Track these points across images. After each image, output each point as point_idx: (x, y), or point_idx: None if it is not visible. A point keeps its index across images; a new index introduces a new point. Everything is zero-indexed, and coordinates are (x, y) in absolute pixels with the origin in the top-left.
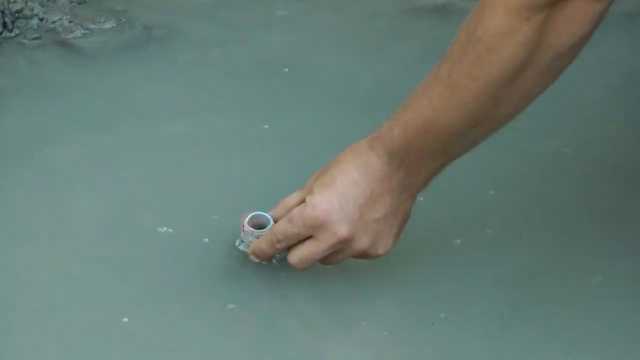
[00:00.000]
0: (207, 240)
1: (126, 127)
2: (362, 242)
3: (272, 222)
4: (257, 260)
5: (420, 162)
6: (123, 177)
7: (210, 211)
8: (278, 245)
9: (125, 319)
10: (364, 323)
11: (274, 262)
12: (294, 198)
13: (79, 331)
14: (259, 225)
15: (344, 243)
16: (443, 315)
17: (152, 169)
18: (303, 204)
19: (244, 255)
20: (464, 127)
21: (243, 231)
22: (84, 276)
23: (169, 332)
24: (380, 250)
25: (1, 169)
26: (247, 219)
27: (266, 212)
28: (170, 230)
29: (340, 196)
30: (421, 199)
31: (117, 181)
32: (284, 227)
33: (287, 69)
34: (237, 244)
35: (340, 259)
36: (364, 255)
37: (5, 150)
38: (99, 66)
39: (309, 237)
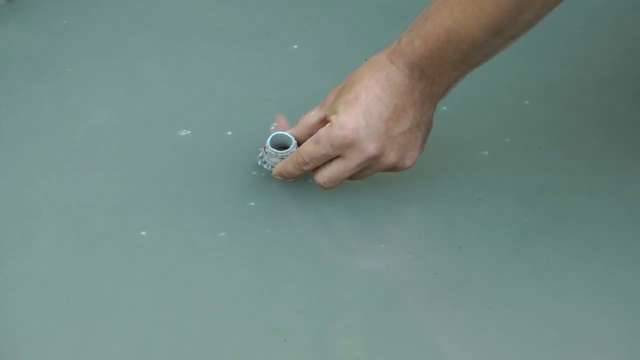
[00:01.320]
0: (227, 149)
1: (142, 38)
2: (391, 157)
3: (294, 141)
4: (282, 179)
5: (441, 72)
6: (143, 86)
7: (230, 121)
8: (305, 167)
9: (144, 233)
10: (392, 235)
11: (310, 181)
12: (313, 116)
13: (97, 244)
14: (281, 145)
15: (373, 159)
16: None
17: (172, 74)
18: (329, 124)
19: (268, 172)
20: (485, 35)
21: (265, 152)
22: (103, 189)
23: (190, 248)
24: (408, 162)
25: (17, 81)
26: (268, 139)
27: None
28: (190, 133)
29: (366, 113)
30: (444, 108)
31: (135, 90)
32: (311, 149)
33: None
34: (260, 162)
35: (369, 174)
36: (392, 168)
37: (22, 64)
38: None
39: (336, 157)
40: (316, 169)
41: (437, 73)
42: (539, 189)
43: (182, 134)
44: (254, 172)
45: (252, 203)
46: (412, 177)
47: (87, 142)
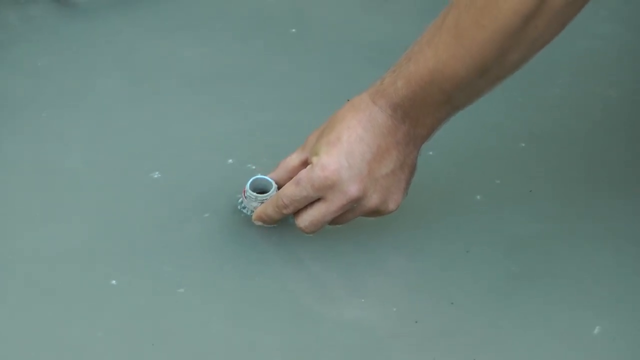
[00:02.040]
0: (202, 193)
1: (115, 80)
2: (373, 199)
3: (274, 185)
4: (261, 224)
5: (425, 113)
6: (117, 127)
7: (206, 163)
8: (285, 211)
9: (114, 282)
10: (376, 286)
11: (290, 221)
12: (294, 159)
13: (66, 295)
14: (261, 190)
15: (355, 202)
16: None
17: (156, 116)
18: (310, 165)
19: (247, 218)
20: (470, 76)
21: (245, 196)
22: (72, 235)
23: (161, 298)
24: (392, 206)
25: None
26: (248, 183)
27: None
28: (161, 176)
29: (348, 154)
30: (430, 153)
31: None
32: (292, 191)
33: (294, 29)
34: (239, 207)
35: (351, 218)
36: (375, 212)
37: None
38: (92, 20)
39: (318, 200)
40: (297, 212)
41: (421, 114)
42: (528, 237)
43: (155, 176)
44: (231, 217)
45: (229, 249)
46: (397, 223)
47: (57, 187)
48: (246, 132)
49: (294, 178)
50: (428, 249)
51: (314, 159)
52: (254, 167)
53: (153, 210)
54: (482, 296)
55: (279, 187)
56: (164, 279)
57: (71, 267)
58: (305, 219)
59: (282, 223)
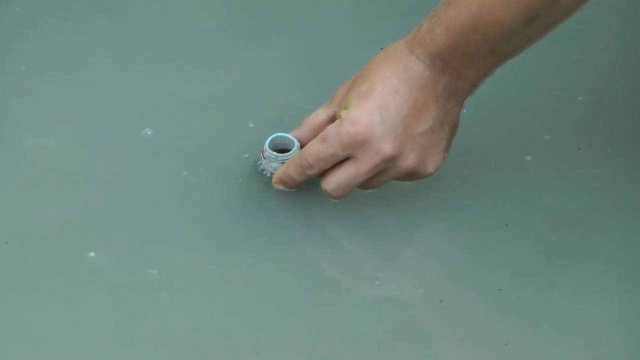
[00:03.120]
0: (207, 153)
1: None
2: (409, 159)
3: (297, 144)
4: (282, 188)
5: (467, 64)
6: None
7: (212, 120)
8: (309, 171)
9: (92, 254)
10: (406, 259)
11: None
12: (320, 114)
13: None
14: (282, 149)
15: (389, 161)
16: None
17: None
18: (338, 120)
19: (266, 180)
20: (517, 23)
21: (263, 157)
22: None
23: (159, 275)
24: (430, 168)
25: None
26: (267, 141)
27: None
28: (152, 132)
29: (382, 107)
30: (464, 110)
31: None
32: (317, 149)
33: None
34: (259, 168)
35: (384, 180)
36: (411, 174)
37: None
38: None
39: (346, 159)
40: (323, 173)
41: (463, 65)
42: (573, 210)
43: (148, 133)
44: (240, 180)
45: (245, 216)
46: (434, 188)
47: (36, 150)
48: (258, 89)
49: (320, 134)
50: (466, 219)
51: (343, 113)
52: (268, 127)
53: (154, 173)
54: (518, 276)
55: (302, 146)
56: (164, 251)
57: (53, 239)
58: (332, 181)
59: (305, 186)
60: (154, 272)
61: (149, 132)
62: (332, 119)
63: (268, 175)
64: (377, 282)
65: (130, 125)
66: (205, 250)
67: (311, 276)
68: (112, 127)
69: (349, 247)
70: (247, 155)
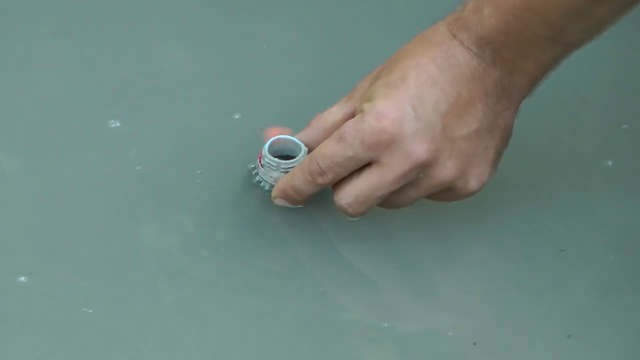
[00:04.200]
0: (199, 171)
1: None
2: (448, 169)
3: (304, 149)
4: (284, 204)
5: (523, 54)
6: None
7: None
8: (321, 180)
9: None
10: (440, 291)
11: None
12: (335, 112)
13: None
14: (284, 155)
15: (421, 169)
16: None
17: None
18: (359, 114)
19: (263, 195)
20: (584, 1)
21: (261, 164)
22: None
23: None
24: (473, 183)
25: None
26: (266, 145)
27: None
28: (119, 125)
29: (416, 100)
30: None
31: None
32: (332, 150)
33: None
34: (255, 179)
35: (413, 197)
36: (447, 190)
37: None
38: None
39: (367, 165)
40: (337, 184)
41: (519, 55)
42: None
43: (112, 125)
44: (229, 194)
45: (235, 242)
46: (476, 204)
47: None
48: (252, 74)
49: (336, 132)
50: (513, 242)
51: (366, 106)
52: (264, 127)
53: (113, 180)
54: (581, 317)
55: (310, 151)
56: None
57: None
58: (348, 193)
59: (313, 201)
60: (98, 309)
61: (116, 125)
62: (351, 117)
63: (266, 187)
64: (402, 318)
65: (95, 117)
66: (182, 286)
67: (322, 311)
68: (68, 119)
69: (369, 276)
70: (238, 162)
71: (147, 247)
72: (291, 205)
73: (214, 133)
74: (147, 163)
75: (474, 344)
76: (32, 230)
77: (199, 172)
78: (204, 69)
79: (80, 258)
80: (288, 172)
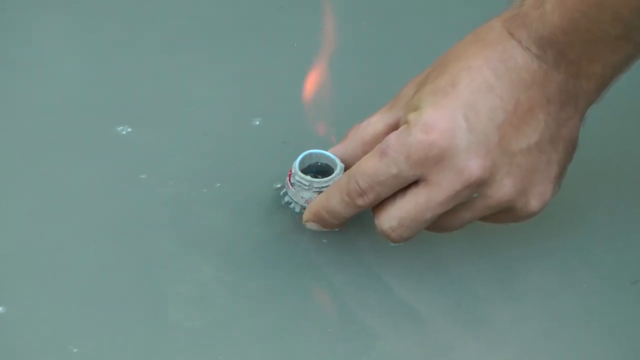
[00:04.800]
0: (219, 185)
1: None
2: (505, 187)
3: (340, 165)
4: (318, 228)
5: (591, 55)
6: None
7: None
8: (361, 201)
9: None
10: (503, 331)
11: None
12: (376, 123)
13: None
14: (317, 172)
15: (476, 188)
16: None
17: None
18: (404, 126)
19: (293, 217)
20: None
21: (290, 183)
22: None
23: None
24: (534, 203)
25: None
26: (297, 161)
27: (325, 149)
28: (132, 135)
29: (468, 108)
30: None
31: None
32: (373, 167)
33: None
34: (284, 200)
35: (466, 219)
36: (506, 211)
37: None
38: None
39: (413, 184)
40: (378, 205)
41: (585, 57)
42: None
43: (122, 132)
44: (255, 218)
45: (260, 270)
46: (538, 227)
47: None
48: (277, 81)
49: (377, 146)
50: (581, 271)
51: (412, 117)
52: (297, 139)
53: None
54: None
55: (347, 168)
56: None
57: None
58: (392, 216)
59: (350, 225)
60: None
61: (127, 131)
62: (394, 128)
63: (297, 210)
64: (453, 356)
65: (105, 124)
66: (193, 325)
67: (362, 348)
68: (74, 124)
69: (414, 307)
70: (265, 182)
71: (151, 278)
72: (325, 229)
73: (234, 141)
74: (156, 174)
75: None
76: (19, 250)
77: (219, 185)
78: (223, 70)
79: (71, 285)
80: (322, 192)
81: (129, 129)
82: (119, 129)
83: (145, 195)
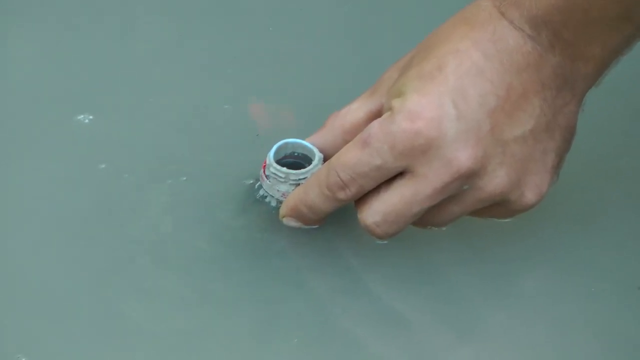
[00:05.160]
0: (184, 178)
1: None
2: (498, 179)
3: (318, 155)
4: (296, 224)
5: (588, 36)
6: None
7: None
8: (342, 194)
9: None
10: (498, 337)
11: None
12: (356, 109)
13: None
14: (294, 163)
15: (466, 179)
16: None
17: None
18: (387, 113)
19: (269, 212)
20: None
21: (265, 175)
22: None
23: None
24: (529, 195)
25: None
26: (271, 151)
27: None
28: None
29: (456, 94)
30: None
31: None
32: (355, 158)
33: None
34: (259, 194)
35: (456, 213)
36: (499, 205)
37: None
38: None
39: (399, 175)
40: (362, 198)
41: (582, 37)
42: None
43: (84, 120)
44: (226, 213)
45: (234, 274)
46: (535, 224)
47: None
48: (252, 57)
49: (359, 136)
50: (579, 273)
51: (396, 103)
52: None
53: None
54: None
55: (326, 159)
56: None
57: None
58: (376, 211)
59: (330, 220)
60: None
61: (86, 120)
62: (376, 116)
63: (273, 204)
64: None
65: (60, 111)
66: (162, 333)
67: (346, 358)
68: (31, 113)
69: (401, 312)
70: (236, 175)
71: (108, 281)
72: (304, 226)
73: (202, 131)
74: (116, 165)
75: None
76: None
77: (184, 179)
78: (192, 53)
79: (20, 289)
80: (300, 184)
81: (91, 117)
82: (80, 117)
83: (105, 186)
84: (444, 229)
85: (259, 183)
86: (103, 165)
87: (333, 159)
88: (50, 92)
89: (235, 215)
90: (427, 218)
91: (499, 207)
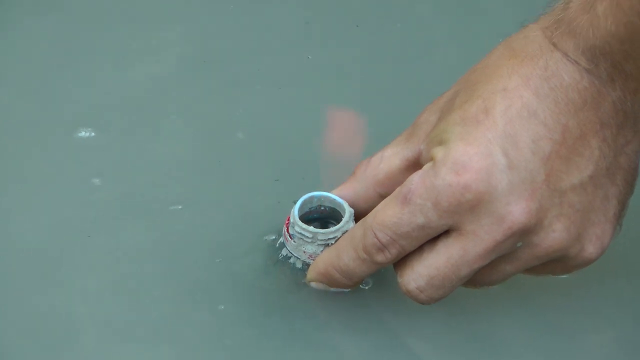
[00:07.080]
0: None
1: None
2: (556, 233)
3: (349, 211)
4: (325, 288)
5: None
6: None
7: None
8: (380, 257)
9: None
10: None
11: (363, 286)
12: (390, 157)
13: None
14: (322, 219)
15: (520, 236)
16: None
17: None
18: (428, 164)
19: (294, 275)
20: None
21: (289, 234)
22: None
23: None
24: (591, 249)
25: None
26: (296, 206)
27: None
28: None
29: (506, 140)
30: None
31: None
32: (394, 216)
33: None
34: (281, 254)
35: (509, 272)
36: (557, 261)
37: None
38: None
39: (444, 234)
40: (402, 260)
41: None
42: None
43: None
44: (248, 277)
45: (236, 333)
46: (595, 279)
47: None
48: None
49: (397, 191)
50: None
51: (438, 152)
52: (302, 178)
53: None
54: None
55: (359, 215)
56: None
57: None
58: (420, 274)
59: (365, 287)
60: None
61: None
62: (414, 164)
63: (299, 266)
64: None
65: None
66: None
67: None
68: (30, 128)
69: None
70: (255, 229)
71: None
72: (333, 289)
73: (219, 189)
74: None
75: None
76: None
77: (196, 251)
78: (207, 77)
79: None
80: (329, 244)
81: (92, 133)
82: (81, 134)
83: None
84: (493, 287)
85: (279, 241)
86: (96, 180)
87: (369, 218)
88: (56, 106)
89: (256, 279)
90: (476, 278)
91: (556, 263)
